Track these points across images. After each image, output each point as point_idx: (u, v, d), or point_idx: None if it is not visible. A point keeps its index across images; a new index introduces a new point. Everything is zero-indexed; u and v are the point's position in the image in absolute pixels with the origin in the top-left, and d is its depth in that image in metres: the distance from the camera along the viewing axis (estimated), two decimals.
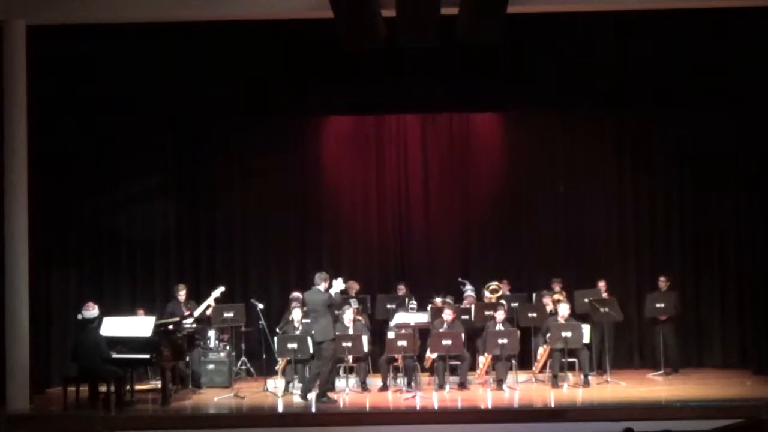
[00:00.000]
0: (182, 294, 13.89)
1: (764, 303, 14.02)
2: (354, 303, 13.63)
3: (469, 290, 14.26)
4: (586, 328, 13.45)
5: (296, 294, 14.18)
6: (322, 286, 12.27)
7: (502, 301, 13.87)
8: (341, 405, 12.15)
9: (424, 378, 13.57)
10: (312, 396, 12.24)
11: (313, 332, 12.43)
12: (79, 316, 12.24)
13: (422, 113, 15.53)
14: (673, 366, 14.06)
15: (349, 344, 12.61)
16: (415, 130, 15.67)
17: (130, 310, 13.98)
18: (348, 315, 13.13)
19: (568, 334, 12.85)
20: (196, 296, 14.26)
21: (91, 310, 12.08)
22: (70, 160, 14.54)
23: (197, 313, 13.68)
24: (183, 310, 13.61)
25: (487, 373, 13.42)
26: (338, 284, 12.32)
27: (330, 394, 12.20)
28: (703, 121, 14.88)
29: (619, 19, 13.18)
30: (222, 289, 13.83)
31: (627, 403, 11.82)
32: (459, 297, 14.25)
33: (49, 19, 12.47)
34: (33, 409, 12.17)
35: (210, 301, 13.75)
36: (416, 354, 12.96)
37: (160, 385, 12.31)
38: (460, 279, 14.49)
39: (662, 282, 14.21)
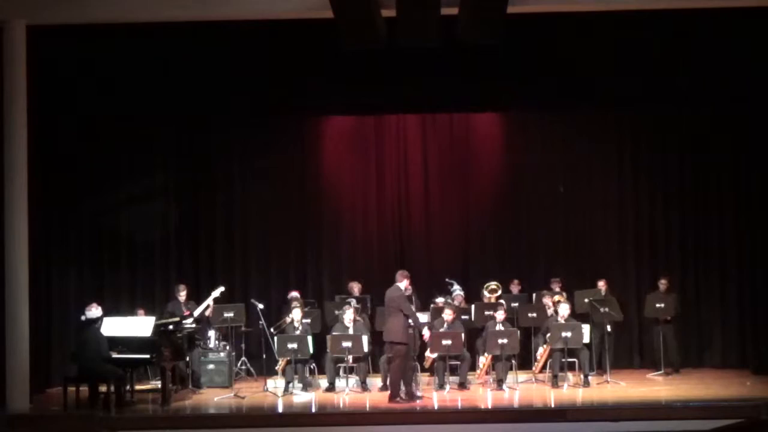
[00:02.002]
0: (182, 294, 13.90)
1: (764, 303, 14.03)
2: (354, 303, 13.64)
3: (457, 290, 14.21)
4: (586, 328, 13.45)
5: (294, 294, 14.20)
6: (402, 284, 12.11)
7: (502, 301, 13.87)
8: (341, 405, 12.17)
9: (424, 378, 13.57)
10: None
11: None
12: (83, 317, 12.26)
13: (422, 113, 15.51)
14: (674, 366, 14.07)
15: (349, 344, 12.63)
16: (415, 130, 15.66)
17: (130, 310, 14.01)
18: (348, 315, 13.15)
19: (568, 334, 12.85)
20: (196, 296, 14.26)
21: (94, 311, 12.09)
22: (70, 161, 14.53)
23: (197, 313, 13.68)
24: (183, 310, 13.61)
25: (487, 373, 13.42)
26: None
27: (401, 394, 12.05)
28: (703, 121, 14.87)
29: (619, 19, 13.17)
30: (222, 289, 13.82)
31: (627, 403, 11.82)
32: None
33: (49, 19, 12.46)
34: (33, 409, 12.17)
35: (210, 301, 13.76)
36: (416, 354, 12.96)
37: (160, 385, 12.32)
38: (447, 279, 14.45)
39: (663, 284, 14.20)
